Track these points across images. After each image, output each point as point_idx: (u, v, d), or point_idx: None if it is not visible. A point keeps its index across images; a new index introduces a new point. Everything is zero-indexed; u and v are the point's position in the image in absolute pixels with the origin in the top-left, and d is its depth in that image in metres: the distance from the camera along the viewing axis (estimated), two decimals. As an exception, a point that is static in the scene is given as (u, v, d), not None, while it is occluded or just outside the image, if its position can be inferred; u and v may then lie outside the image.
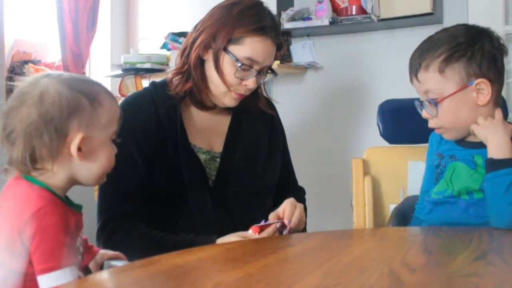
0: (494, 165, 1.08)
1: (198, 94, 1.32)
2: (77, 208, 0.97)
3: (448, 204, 1.19)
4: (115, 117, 1.00)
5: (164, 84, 1.34)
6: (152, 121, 1.28)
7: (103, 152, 0.97)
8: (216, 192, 1.28)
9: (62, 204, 0.91)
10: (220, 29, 1.25)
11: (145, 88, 1.36)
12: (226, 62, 1.26)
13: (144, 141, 1.25)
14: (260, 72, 1.28)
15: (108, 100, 0.98)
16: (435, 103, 1.16)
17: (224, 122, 1.37)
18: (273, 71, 1.34)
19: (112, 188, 1.24)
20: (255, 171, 1.34)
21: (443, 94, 1.16)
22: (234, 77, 1.25)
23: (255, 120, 1.40)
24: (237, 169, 1.31)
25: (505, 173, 1.06)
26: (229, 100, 1.30)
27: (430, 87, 1.17)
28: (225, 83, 1.26)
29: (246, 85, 1.26)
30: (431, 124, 1.21)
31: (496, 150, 1.10)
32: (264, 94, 1.43)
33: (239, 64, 1.23)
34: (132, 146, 1.25)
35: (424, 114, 1.21)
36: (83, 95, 0.93)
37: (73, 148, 0.92)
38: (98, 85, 1.00)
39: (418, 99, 1.23)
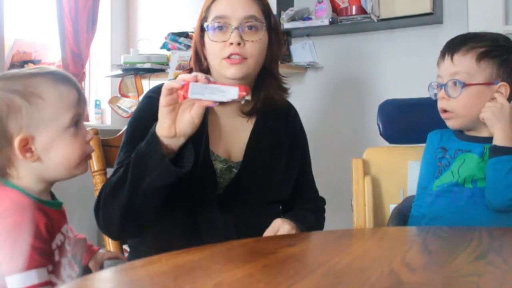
0: (497, 151, 1.17)
1: None
2: (55, 206, 0.95)
3: (452, 193, 1.23)
4: (67, 104, 0.93)
5: None
6: None
7: (60, 145, 0.92)
8: (224, 199, 1.24)
9: (32, 206, 0.88)
10: (197, 22, 1.27)
11: None
12: (206, 37, 1.24)
13: None
14: (243, 27, 1.20)
15: (51, 90, 0.91)
16: (464, 85, 1.21)
17: (245, 130, 1.32)
18: (266, 20, 1.24)
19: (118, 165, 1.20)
20: (271, 184, 1.30)
21: (470, 81, 1.22)
22: (214, 42, 1.21)
23: (277, 131, 1.35)
24: (252, 182, 1.27)
25: (507, 159, 1.15)
26: (227, 70, 1.20)
27: (462, 70, 1.23)
28: (212, 53, 1.22)
29: (231, 43, 1.18)
30: (443, 105, 1.26)
31: (501, 138, 1.18)
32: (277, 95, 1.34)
33: (210, 27, 1.21)
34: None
35: (442, 93, 1.25)
36: (16, 94, 0.89)
37: (17, 152, 0.89)
38: (42, 75, 0.93)
39: (436, 82, 1.28)
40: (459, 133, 1.29)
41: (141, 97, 1.32)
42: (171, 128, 1.04)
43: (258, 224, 1.18)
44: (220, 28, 1.20)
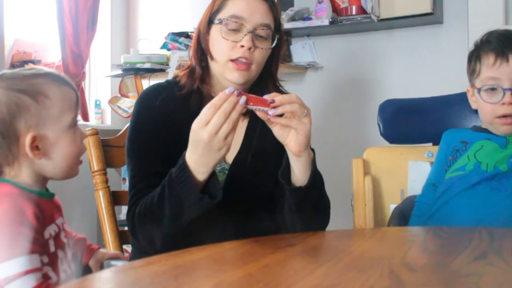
0: None
1: (208, 87, 1.26)
2: (46, 197, 0.96)
3: (470, 183, 1.19)
4: (69, 104, 0.97)
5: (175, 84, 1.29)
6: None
7: (62, 144, 0.95)
8: (221, 200, 1.22)
9: (20, 195, 0.90)
10: (206, 11, 1.25)
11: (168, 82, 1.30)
12: (214, 30, 1.22)
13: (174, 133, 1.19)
14: (256, 33, 1.19)
15: (55, 90, 0.95)
16: None
17: (239, 131, 1.27)
18: (276, 30, 1.23)
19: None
20: (264, 184, 1.26)
21: None
22: (224, 40, 1.19)
23: (268, 130, 1.26)
24: (242, 183, 1.24)
25: None
26: (230, 73, 1.20)
27: None
28: (219, 49, 1.20)
29: (242, 46, 1.18)
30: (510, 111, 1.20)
31: None
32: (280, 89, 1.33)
33: (224, 23, 1.18)
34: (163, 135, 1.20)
35: (509, 98, 1.19)
36: (24, 93, 0.91)
37: (28, 150, 0.91)
38: (43, 75, 0.96)
39: (490, 86, 1.22)
40: (481, 128, 1.28)
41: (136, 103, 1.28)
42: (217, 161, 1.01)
43: (256, 224, 1.17)
44: (235, 29, 1.19)
